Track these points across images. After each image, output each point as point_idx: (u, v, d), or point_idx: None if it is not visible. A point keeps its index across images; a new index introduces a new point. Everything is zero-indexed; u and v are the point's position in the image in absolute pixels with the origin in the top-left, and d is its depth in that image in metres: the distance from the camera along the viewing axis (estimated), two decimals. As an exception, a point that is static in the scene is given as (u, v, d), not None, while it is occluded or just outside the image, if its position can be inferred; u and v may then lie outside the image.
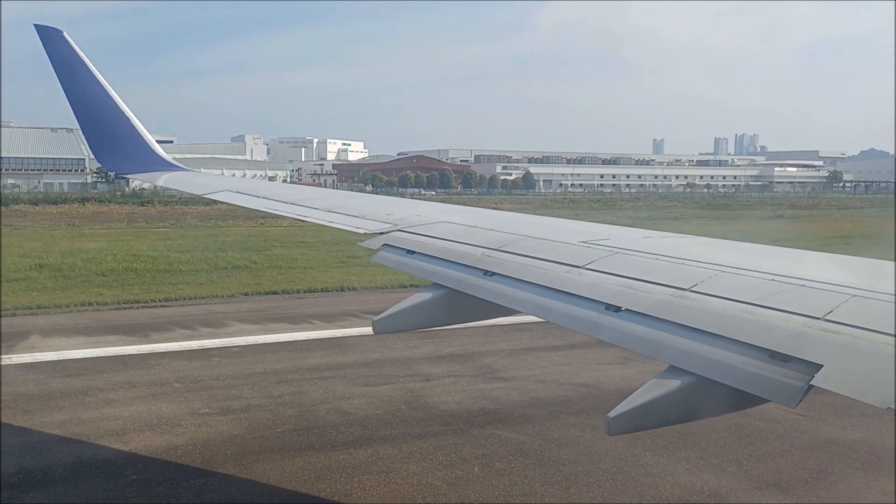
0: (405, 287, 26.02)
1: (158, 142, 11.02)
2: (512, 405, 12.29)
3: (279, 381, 13.32)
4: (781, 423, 11.37)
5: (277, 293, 24.05)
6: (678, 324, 3.48)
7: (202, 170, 21.02)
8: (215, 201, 9.68)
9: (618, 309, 3.78)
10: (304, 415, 11.49)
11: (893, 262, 3.97)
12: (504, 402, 12.41)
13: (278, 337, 16.92)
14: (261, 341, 16.47)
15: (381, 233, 6.00)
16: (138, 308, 21.24)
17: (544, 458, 10.00)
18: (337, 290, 25.11)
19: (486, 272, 4.70)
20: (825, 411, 11.80)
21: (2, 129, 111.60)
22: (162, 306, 21.59)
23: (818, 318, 3.14)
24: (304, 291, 24.56)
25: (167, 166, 10.63)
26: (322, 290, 24.91)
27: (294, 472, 9.29)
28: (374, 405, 12.04)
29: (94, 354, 15.15)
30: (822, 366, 2.85)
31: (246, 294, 23.80)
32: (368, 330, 17.79)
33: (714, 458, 10.09)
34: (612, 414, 3.29)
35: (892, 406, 2.54)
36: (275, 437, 10.53)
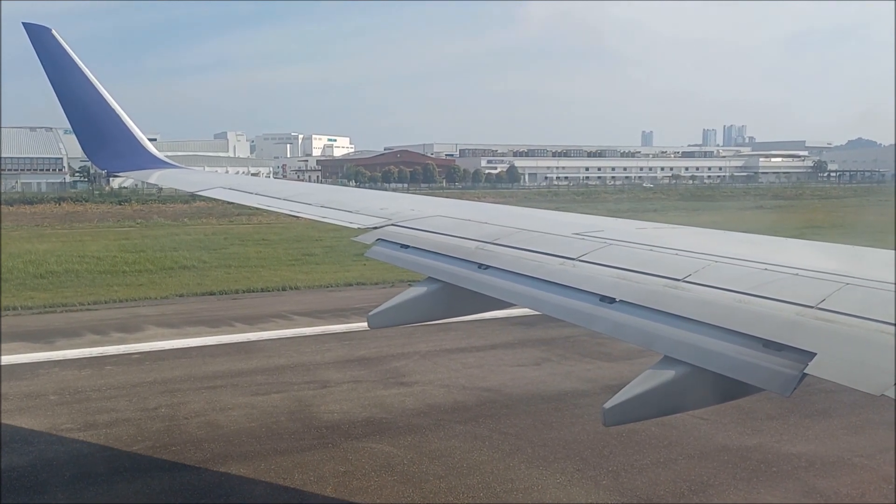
0: (351, 285, 25.46)
1: None
2: (401, 414, 11.67)
3: (164, 391, 12.66)
4: (678, 428, 10.78)
5: (214, 294, 23.37)
6: (672, 314, 3.45)
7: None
8: (199, 198, 9.39)
9: (612, 300, 3.74)
10: (170, 430, 10.84)
11: (885, 251, 4.01)
12: (394, 411, 11.79)
13: (187, 342, 16.25)
14: (166, 347, 15.80)
15: (375, 227, 5.94)
16: (62, 312, 20.53)
17: (410, 473, 9.38)
18: (278, 290, 24.44)
19: (480, 265, 4.65)
20: (727, 415, 11.23)
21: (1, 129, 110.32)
22: (87, 310, 20.90)
23: (811, 307, 3.13)
24: (244, 291, 23.87)
25: (159, 164, 10.51)
26: (262, 290, 24.24)
27: (125, 497, 8.64)
28: (251, 417, 11.39)
29: (-16, 364, 14.44)
30: (816, 354, 2.83)
31: (181, 295, 23.12)
32: (286, 333, 17.13)
33: (592, 469, 9.50)
34: (607, 405, 3.24)
35: (887, 393, 2.53)
36: (127, 456, 9.87)
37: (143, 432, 10.72)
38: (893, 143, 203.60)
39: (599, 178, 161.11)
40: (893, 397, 2.53)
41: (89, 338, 16.93)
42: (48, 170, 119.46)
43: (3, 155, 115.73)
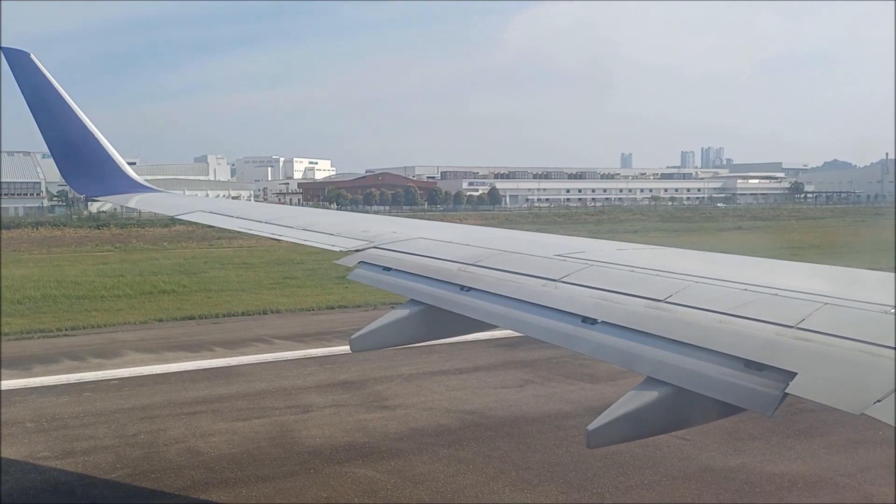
0: (333, 308, 25.30)
1: None
2: (385, 438, 11.58)
3: (143, 417, 12.49)
4: (661, 449, 10.79)
5: (194, 318, 23.13)
6: (654, 335, 3.46)
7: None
8: (179, 222, 9.32)
9: (594, 321, 3.75)
10: (149, 457, 10.67)
11: (863, 270, 4.08)
12: (377, 435, 11.70)
13: (166, 367, 16.04)
14: (146, 372, 15.59)
15: (357, 250, 5.94)
16: (39, 338, 20.19)
17: (393, 498, 9.29)
18: (259, 314, 24.22)
19: (462, 287, 4.65)
20: (710, 435, 11.26)
21: None
22: (65, 335, 20.59)
23: (791, 327, 3.14)
24: (224, 316, 23.64)
25: (139, 188, 10.44)
26: (243, 314, 23.99)
27: (103, 525, 8.49)
28: (232, 443, 11.25)
29: (-42, 392, 14.17)
30: (797, 373, 2.85)
31: (160, 320, 22.87)
32: (267, 357, 16.98)
33: (577, 492, 9.47)
34: (591, 427, 3.22)
35: (867, 412, 2.54)
36: (104, 483, 9.70)
37: (122, 459, 10.55)
38: (868, 164, 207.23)
39: (580, 199, 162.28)
40: (873, 416, 2.54)
41: (67, 364, 16.69)
42: (26, 194, 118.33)
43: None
